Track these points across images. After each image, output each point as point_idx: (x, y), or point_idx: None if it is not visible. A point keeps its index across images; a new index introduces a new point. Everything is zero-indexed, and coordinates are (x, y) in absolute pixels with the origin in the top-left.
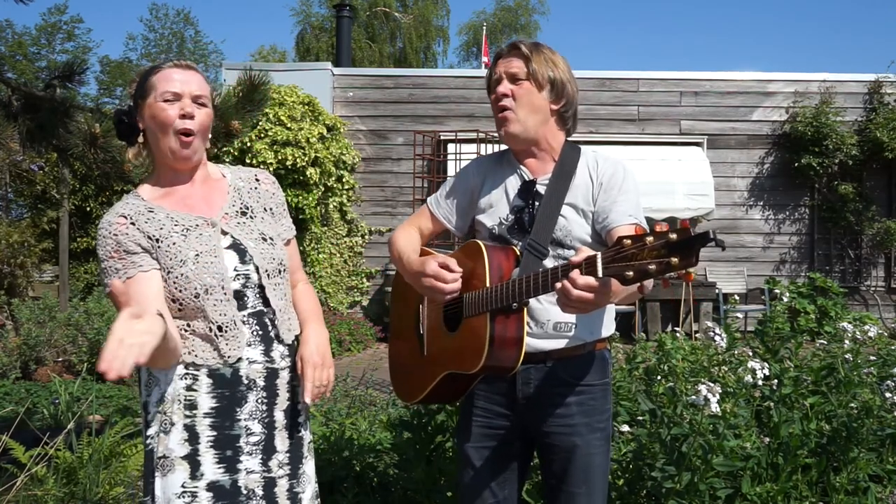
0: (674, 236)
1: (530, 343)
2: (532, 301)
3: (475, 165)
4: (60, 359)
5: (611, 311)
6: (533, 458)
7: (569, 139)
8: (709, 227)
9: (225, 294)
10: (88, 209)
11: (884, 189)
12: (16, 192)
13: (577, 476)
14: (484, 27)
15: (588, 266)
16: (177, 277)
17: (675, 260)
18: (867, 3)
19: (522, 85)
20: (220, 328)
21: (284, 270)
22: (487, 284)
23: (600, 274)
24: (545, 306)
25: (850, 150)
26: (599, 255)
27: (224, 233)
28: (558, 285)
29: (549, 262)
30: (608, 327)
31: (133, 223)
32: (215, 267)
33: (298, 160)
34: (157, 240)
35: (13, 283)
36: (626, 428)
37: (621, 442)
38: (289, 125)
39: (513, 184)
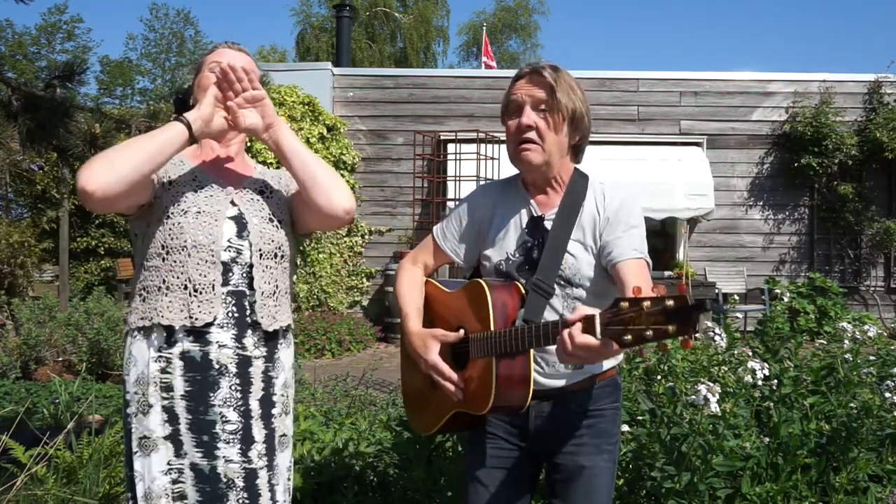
0: (671, 303)
1: (541, 381)
2: None
3: (482, 196)
4: (60, 359)
5: None
6: (540, 476)
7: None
8: (705, 298)
9: (212, 256)
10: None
11: (883, 189)
12: (16, 192)
13: (580, 497)
14: (484, 27)
15: (587, 326)
16: (173, 224)
17: (671, 328)
18: (867, 3)
19: (546, 116)
20: (195, 288)
21: (282, 257)
22: (492, 327)
23: (598, 336)
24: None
25: (849, 150)
26: (598, 315)
27: (233, 204)
28: (559, 339)
29: (556, 301)
30: (618, 355)
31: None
32: (211, 228)
33: None
34: (171, 183)
35: (13, 282)
36: (626, 428)
37: (621, 442)
38: (289, 125)
39: (521, 219)
